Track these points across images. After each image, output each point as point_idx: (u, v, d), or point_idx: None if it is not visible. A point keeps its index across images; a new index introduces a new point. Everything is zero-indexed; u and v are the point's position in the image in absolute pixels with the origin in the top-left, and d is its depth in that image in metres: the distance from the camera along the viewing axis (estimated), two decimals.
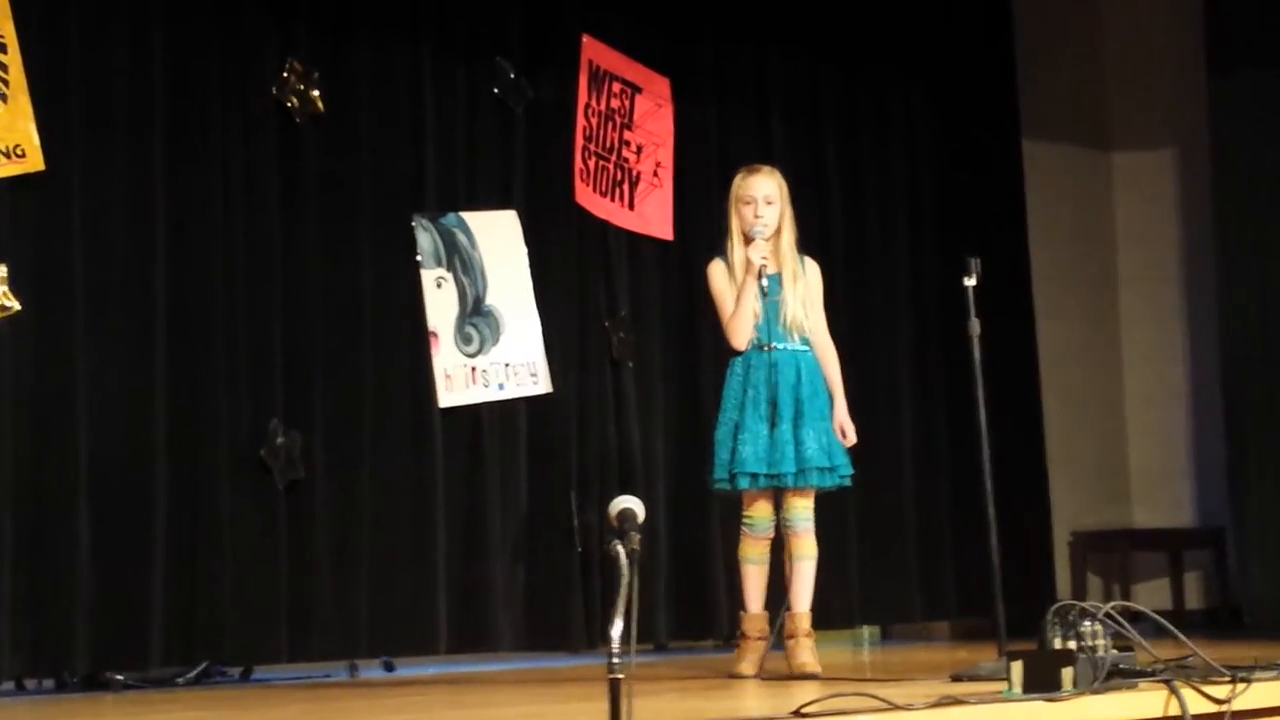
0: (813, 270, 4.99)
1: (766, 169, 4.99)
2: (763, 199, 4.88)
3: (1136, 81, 7.96)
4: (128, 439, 5.20)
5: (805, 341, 4.89)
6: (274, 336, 5.53)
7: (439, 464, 5.79)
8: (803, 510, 4.86)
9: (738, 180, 4.98)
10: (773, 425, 4.79)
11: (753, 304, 4.81)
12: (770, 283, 4.81)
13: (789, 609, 4.87)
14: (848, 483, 4.97)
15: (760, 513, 4.86)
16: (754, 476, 4.79)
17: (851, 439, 4.92)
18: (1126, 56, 7.99)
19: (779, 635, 4.90)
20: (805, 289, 4.91)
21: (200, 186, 5.44)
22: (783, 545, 4.93)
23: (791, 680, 4.65)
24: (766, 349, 4.83)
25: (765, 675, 4.76)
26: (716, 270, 4.94)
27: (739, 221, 4.89)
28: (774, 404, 4.79)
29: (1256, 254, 7.22)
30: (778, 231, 4.88)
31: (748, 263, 4.81)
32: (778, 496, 4.87)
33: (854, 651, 6.62)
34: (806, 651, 4.81)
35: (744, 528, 4.90)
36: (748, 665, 4.82)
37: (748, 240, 4.84)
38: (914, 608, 7.08)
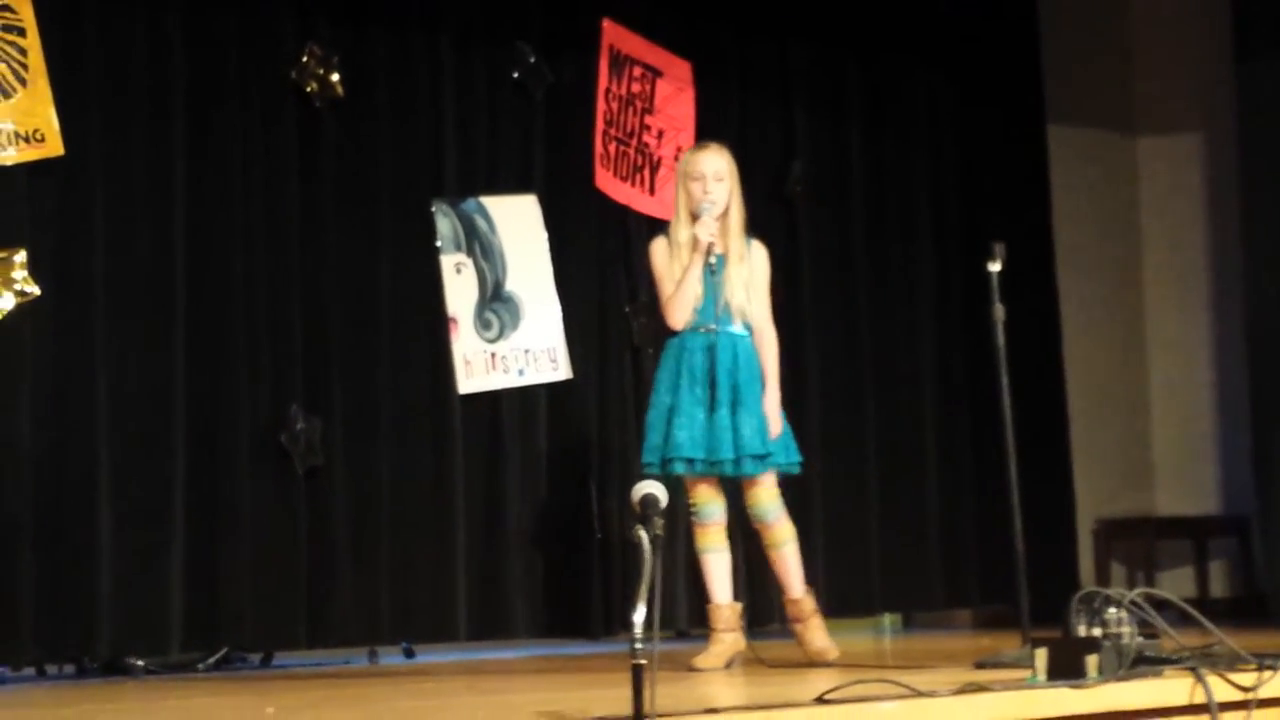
0: (758, 254, 4.84)
1: (715, 145, 4.87)
2: (712, 175, 4.74)
3: (1162, 66, 7.90)
4: (147, 424, 5.20)
5: (746, 326, 4.77)
6: (293, 322, 5.53)
7: (458, 450, 5.78)
8: (768, 500, 4.76)
9: (686, 156, 4.88)
10: (711, 410, 4.67)
11: (696, 284, 4.69)
12: (716, 263, 4.70)
13: (785, 595, 4.80)
14: (796, 470, 4.84)
15: (704, 498, 4.75)
16: (690, 462, 4.68)
17: (774, 431, 4.73)
18: (1152, 40, 7.94)
19: (782, 621, 4.85)
20: (750, 273, 4.77)
21: (219, 171, 5.44)
22: (750, 535, 4.86)
23: (810, 667, 4.61)
24: (705, 330, 4.72)
25: (772, 664, 4.69)
26: (658, 247, 4.82)
27: (686, 199, 4.76)
28: (712, 387, 4.67)
29: None
30: (725, 211, 4.75)
31: (695, 240, 4.69)
32: (726, 483, 4.77)
33: (875, 639, 6.60)
34: (819, 635, 4.74)
35: (692, 517, 4.80)
36: (711, 659, 4.67)
37: (695, 219, 4.72)
38: (936, 595, 7.06)
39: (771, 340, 4.81)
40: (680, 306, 4.72)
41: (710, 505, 4.76)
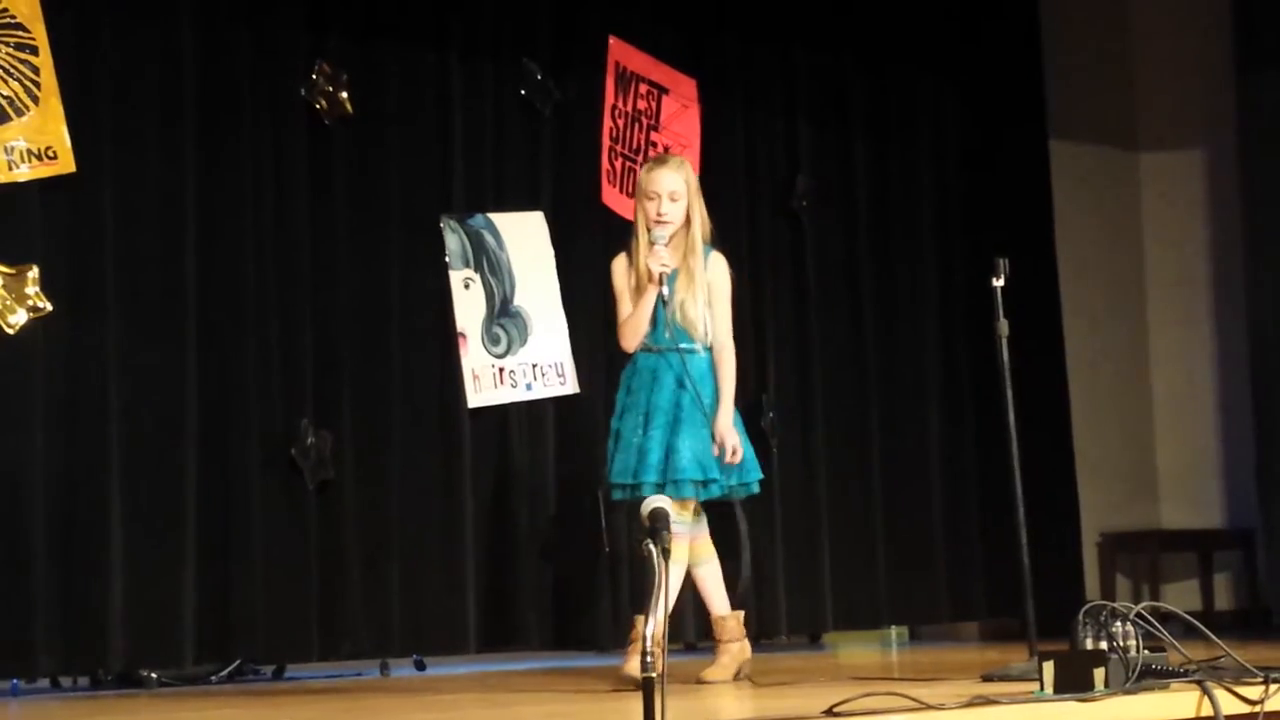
0: (717, 267, 4.69)
1: (674, 161, 4.77)
2: (666, 195, 4.60)
3: (1164, 81, 7.94)
4: (159, 439, 5.23)
5: (696, 343, 4.65)
6: (304, 337, 5.56)
7: (467, 464, 5.81)
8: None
9: (643, 173, 4.75)
10: (646, 431, 4.55)
11: (648, 312, 4.60)
12: (668, 282, 4.59)
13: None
14: (754, 489, 4.73)
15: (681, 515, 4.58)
16: (624, 488, 4.60)
17: (730, 454, 4.57)
18: (1154, 56, 7.98)
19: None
20: (705, 287, 4.63)
21: (230, 187, 5.47)
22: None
23: (818, 681, 4.59)
24: (654, 351, 4.64)
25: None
26: (618, 266, 4.72)
27: (644, 216, 4.66)
28: (649, 409, 4.57)
29: None
30: (685, 224, 4.64)
31: (649, 271, 4.57)
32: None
33: (882, 652, 6.62)
34: (721, 661, 4.68)
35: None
36: (719, 671, 4.66)
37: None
38: (942, 608, 7.08)
39: (729, 358, 4.66)
40: (630, 334, 4.65)
41: (688, 520, 4.64)
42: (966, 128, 7.40)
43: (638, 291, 4.64)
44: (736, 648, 4.75)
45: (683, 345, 4.62)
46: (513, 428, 5.95)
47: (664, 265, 4.57)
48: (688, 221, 4.66)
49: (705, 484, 4.58)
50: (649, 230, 4.63)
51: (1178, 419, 7.88)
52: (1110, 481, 7.69)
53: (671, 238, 4.63)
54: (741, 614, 4.80)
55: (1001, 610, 6.95)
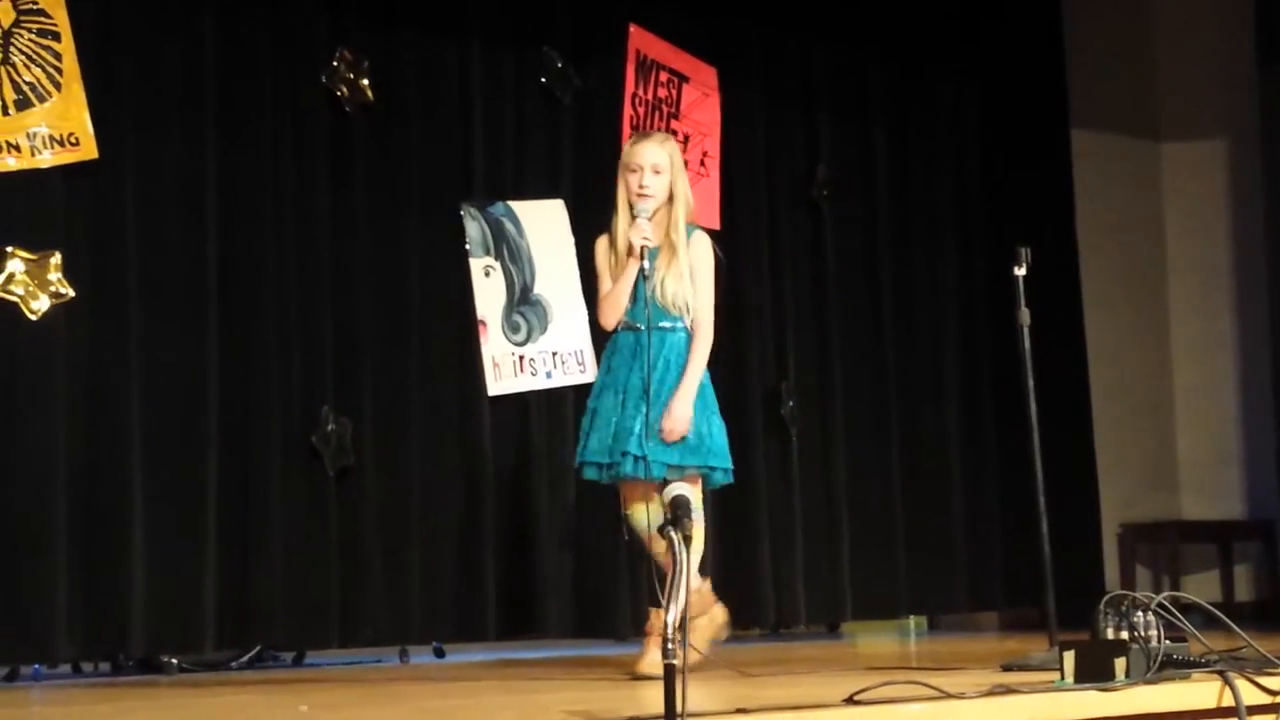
0: (701, 246, 4.57)
1: (659, 136, 4.70)
2: (650, 168, 4.49)
3: (1186, 71, 7.91)
4: (181, 426, 5.25)
5: (678, 321, 4.54)
6: (324, 324, 5.57)
7: (487, 452, 5.82)
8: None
9: (627, 147, 4.68)
10: (622, 409, 4.46)
11: (629, 287, 4.49)
12: (648, 257, 4.49)
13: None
14: (716, 480, 4.56)
15: (637, 514, 4.45)
16: (599, 467, 4.52)
17: (669, 433, 4.42)
18: (1176, 46, 7.95)
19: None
20: (687, 265, 4.51)
21: (251, 175, 5.49)
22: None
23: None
24: (634, 328, 4.53)
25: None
26: (600, 246, 4.60)
27: (625, 191, 4.53)
28: (627, 388, 4.48)
29: None
30: (668, 201, 4.54)
31: (630, 245, 4.46)
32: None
33: (901, 641, 6.62)
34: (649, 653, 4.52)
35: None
36: (700, 636, 4.53)
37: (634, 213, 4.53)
38: (961, 598, 7.08)
39: (703, 338, 4.54)
40: (609, 309, 4.55)
41: (639, 521, 4.50)
42: (987, 117, 7.39)
43: (618, 268, 4.56)
44: (705, 621, 4.61)
45: (663, 323, 4.54)
46: (532, 416, 5.96)
47: (645, 239, 4.47)
48: (671, 199, 4.56)
49: (639, 460, 4.43)
50: (631, 205, 4.54)
51: (1198, 410, 7.86)
52: (1130, 472, 7.68)
53: (654, 214, 4.53)
54: (706, 583, 4.67)
55: (1020, 600, 6.94)
